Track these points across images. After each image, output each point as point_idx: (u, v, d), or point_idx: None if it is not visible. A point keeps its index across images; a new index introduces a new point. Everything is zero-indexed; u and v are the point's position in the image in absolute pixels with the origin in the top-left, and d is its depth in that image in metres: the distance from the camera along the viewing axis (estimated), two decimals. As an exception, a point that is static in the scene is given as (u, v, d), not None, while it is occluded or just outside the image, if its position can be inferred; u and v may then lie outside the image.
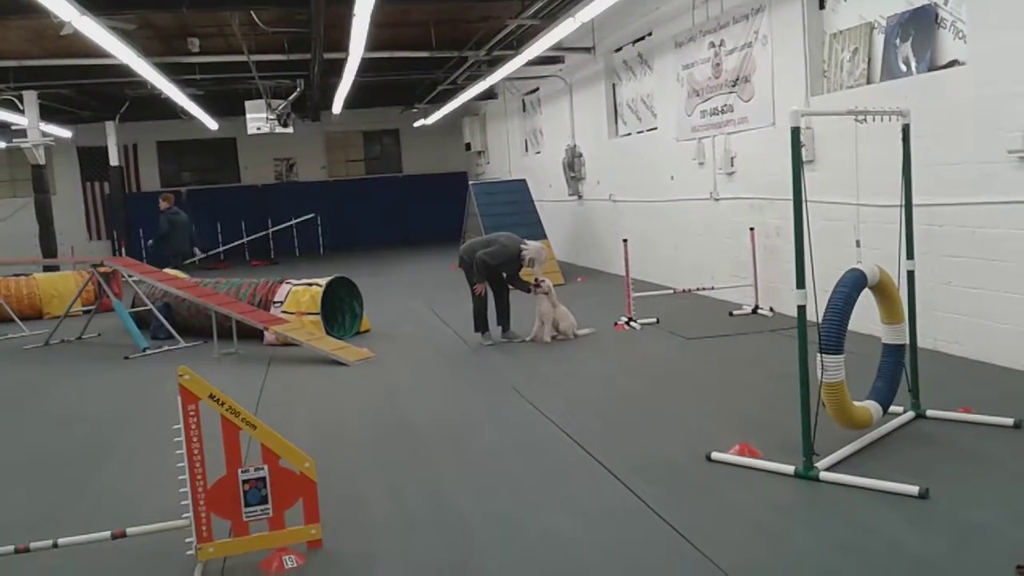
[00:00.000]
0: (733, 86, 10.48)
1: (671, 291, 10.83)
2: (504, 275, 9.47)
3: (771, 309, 9.75)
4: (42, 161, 17.92)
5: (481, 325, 9.38)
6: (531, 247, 9.25)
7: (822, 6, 9.04)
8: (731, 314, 9.93)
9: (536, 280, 9.23)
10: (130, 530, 4.12)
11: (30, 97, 16.64)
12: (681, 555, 3.95)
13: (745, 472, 4.88)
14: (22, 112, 16.86)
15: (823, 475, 4.64)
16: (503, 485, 5.02)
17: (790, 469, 4.73)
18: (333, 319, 10.49)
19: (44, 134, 17.70)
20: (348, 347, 9.26)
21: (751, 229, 9.91)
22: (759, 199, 10.08)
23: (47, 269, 15.95)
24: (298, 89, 16.79)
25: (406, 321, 11.31)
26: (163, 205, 16.40)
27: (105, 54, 11.36)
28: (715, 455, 5.07)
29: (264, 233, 24.72)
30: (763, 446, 5.14)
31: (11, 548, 3.97)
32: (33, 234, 18.56)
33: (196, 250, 18.39)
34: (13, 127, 18.17)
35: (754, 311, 9.87)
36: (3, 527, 4.72)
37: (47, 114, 18.23)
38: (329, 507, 4.39)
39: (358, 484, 5.18)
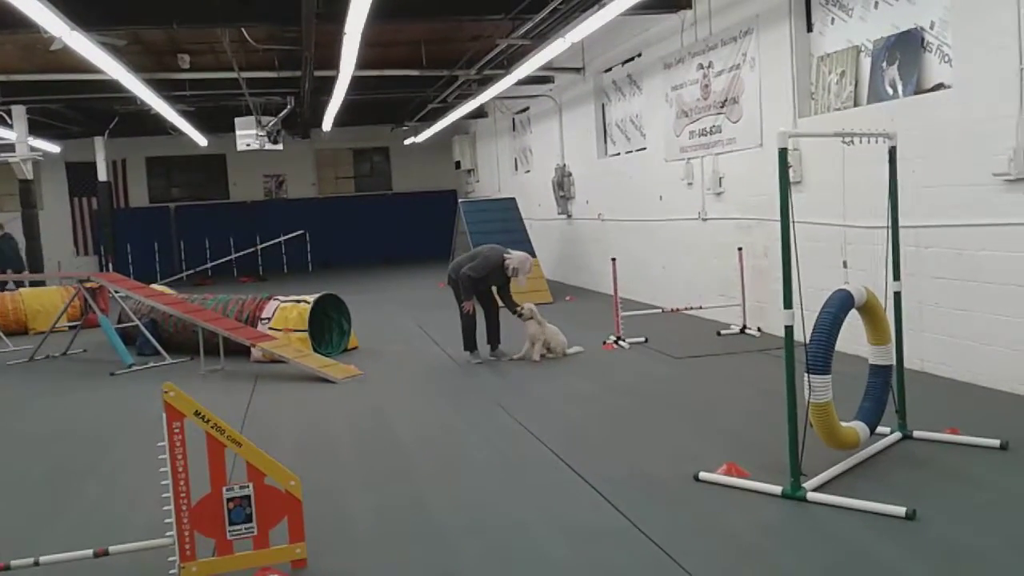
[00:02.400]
0: (721, 107, 10.55)
1: (660, 311, 10.85)
2: (493, 290, 9.47)
3: (759, 329, 9.78)
4: (30, 176, 17.84)
5: (470, 343, 9.36)
6: (514, 256, 9.26)
7: (810, 29, 9.13)
8: (719, 334, 9.95)
9: (519, 311, 9.20)
10: (113, 548, 4.07)
11: (19, 112, 16.60)
12: (667, 574, 3.93)
13: (732, 492, 4.87)
14: (11, 127, 16.82)
15: (810, 496, 4.63)
16: (490, 503, 5.00)
17: (777, 489, 4.73)
18: (321, 336, 10.45)
19: (32, 149, 17.64)
20: (336, 364, 9.23)
21: (739, 249, 9.95)
22: (747, 219, 10.13)
23: (33, 284, 15.84)
24: (288, 106, 16.81)
25: (394, 339, 11.28)
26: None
27: (95, 69, 11.35)
28: (702, 475, 5.07)
29: (252, 250, 24.66)
30: (750, 466, 5.14)
31: (-9, 566, 3.92)
32: (20, 249, 18.46)
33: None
34: (1, 142, 18.09)
35: (742, 331, 9.90)
36: (-17, 545, 4.66)
37: (36, 129, 18.17)
38: (315, 525, 4.35)
39: (344, 502, 5.15)
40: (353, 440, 6.61)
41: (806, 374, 4.81)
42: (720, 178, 10.73)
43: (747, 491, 4.84)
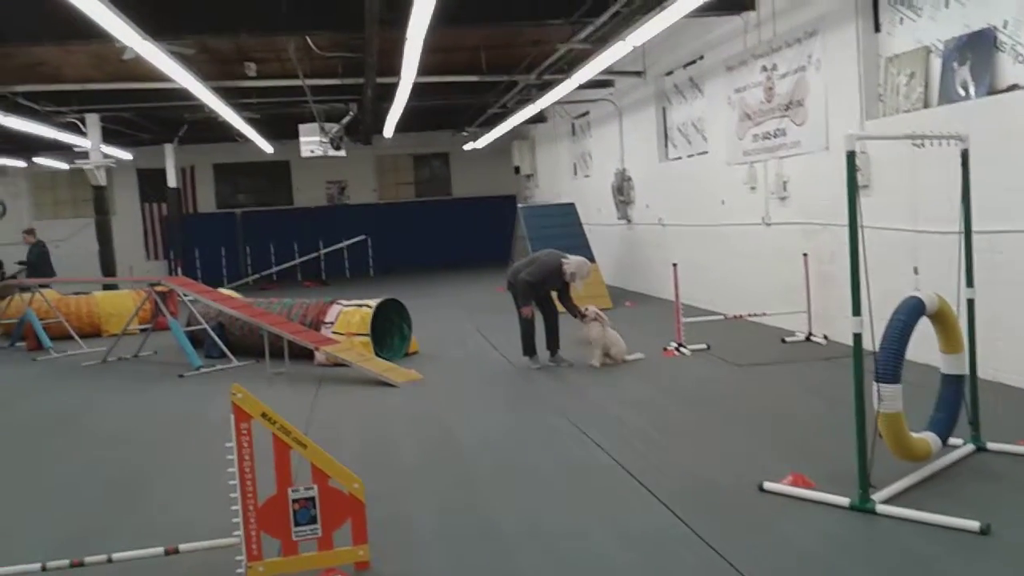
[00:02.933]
0: (786, 110, 10.38)
1: (722, 317, 10.70)
2: (553, 294, 9.44)
3: (825, 337, 9.58)
4: (103, 182, 18.43)
5: (529, 348, 9.35)
6: (572, 261, 9.22)
7: (877, 29, 8.93)
8: (783, 341, 9.78)
9: (582, 312, 9.18)
10: (183, 546, 4.17)
11: (92, 120, 17.16)
12: (732, 586, 3.88)
13: (798, 503, 4.77)
14: (85, 134, 17.39)
15: (879, 508, 4.52)
16: (549, 508, 4.99)
17: (845, 501, 4.62)
18: (382, 340, 10.55)
19: (105, 156, 18.23)
20: (397, 368, 9.31)
21: (804, 255, 9.77)
22: (812, 224, 9.94)
23: (106, 288, 16.34)
24: (351, 113, 17.04)
25: (454, 343, 11.34)
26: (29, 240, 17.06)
27: (165, 78, 11.66)
28: (767, 485, 4.98)
29: (316, 255, 25.06)
30: (817, 477, 5.03)
31: (67, 562, 4.05)
32: (93, 253, 19.08)
33: None
34: (76, 149, 18.72)
35: (807, 338, 9.71)
36: (60, 541, 4.81)
37: (109, 137, 18.76)
38: (377, 528, 4.39)
39: (405, 506, 5.19)
40: (414, 444, 6.66)
41: (875, 383, 4.69)
42: (784, 182, 10.55)
43: (813, 502, 4.74)
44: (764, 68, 10.83)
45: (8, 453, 7.23)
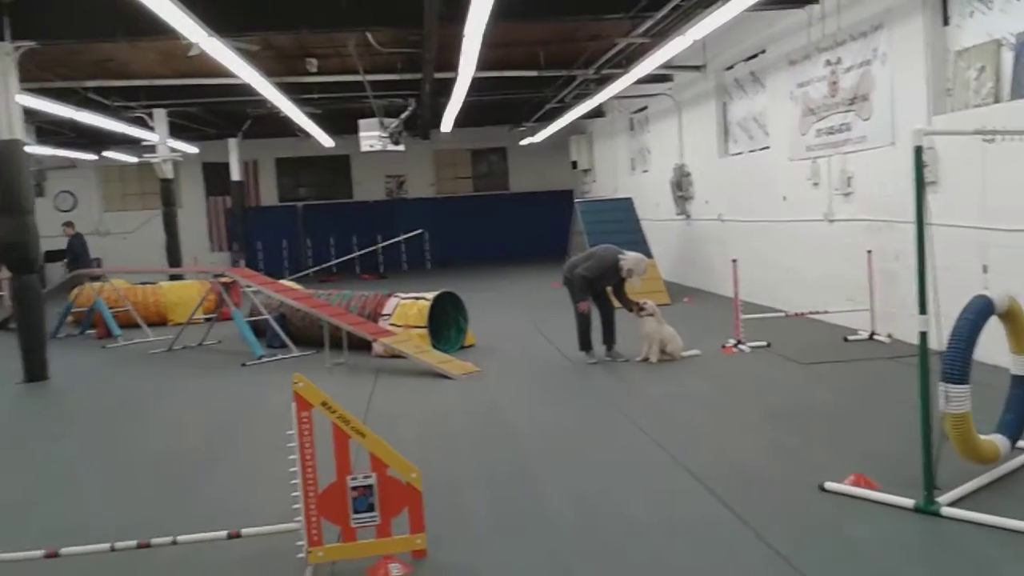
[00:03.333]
0: (850, 104, 10.18)
1: (782, 314, 10.54)
2: (609, 289, 9.42)
3: (889, 336, 9.38)
4: (170, 176, 18.92)
5: (585, 343, 9.34)
6: (629, 257, 9.17)
7: (946, 23, 8.69)
8: (846, 339, 9.60)
9: (639, 304, 9.14)
10: (245, 531, 4.26)
11: (160, 115, 17.62)
12: (791, 586, 3.83)
13: (860, 504, 4.69)
14: (152, 129, 17.85)
15: (945, 511, 4.41)
16: (604, 503, 4.98)
17: (909, 503, 4.53)
18: (439, 333, 10.64)
19: (172, 150, 18.70)
20: (453, 361, 9.38)
21: (868, 252, 9.57)
22: (877, 221, 9.73)
23: (172, 278, 16.76)
24: (410, 108, 17.17)
25: (510, 337, 11.37)
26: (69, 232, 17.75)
27: (229, 74, 11.90)
28: (828, 485, 4.90)
29: (374, 248, 25.35)
30: (880, 478, 4.93)
31: (134, 543, 4.17)
32: (160, 245, 19.59)
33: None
34: (144, 143, 19.22)
35: (871, 337, 9.51)
36: (127, 524, 4.96)
37: (175, 131, 19.24)
38: (434, 517, 4.44)
39: (461, 496, 5.23)
40: (470, 435, 6.71)
41: (941, 383, 4.58)
42: (849, 178, 10.34)
43: (876, 503, 4.65)
44: (828, 62, 10.62)
45: (79, 437, 7.48)
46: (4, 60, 9.52)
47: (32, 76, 12.69)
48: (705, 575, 4.00)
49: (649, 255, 14.18)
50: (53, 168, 25.31)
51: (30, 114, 14.63)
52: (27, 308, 10.04)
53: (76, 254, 17.53)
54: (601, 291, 9.41)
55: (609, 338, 9.43)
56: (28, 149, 10.84)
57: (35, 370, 9.96)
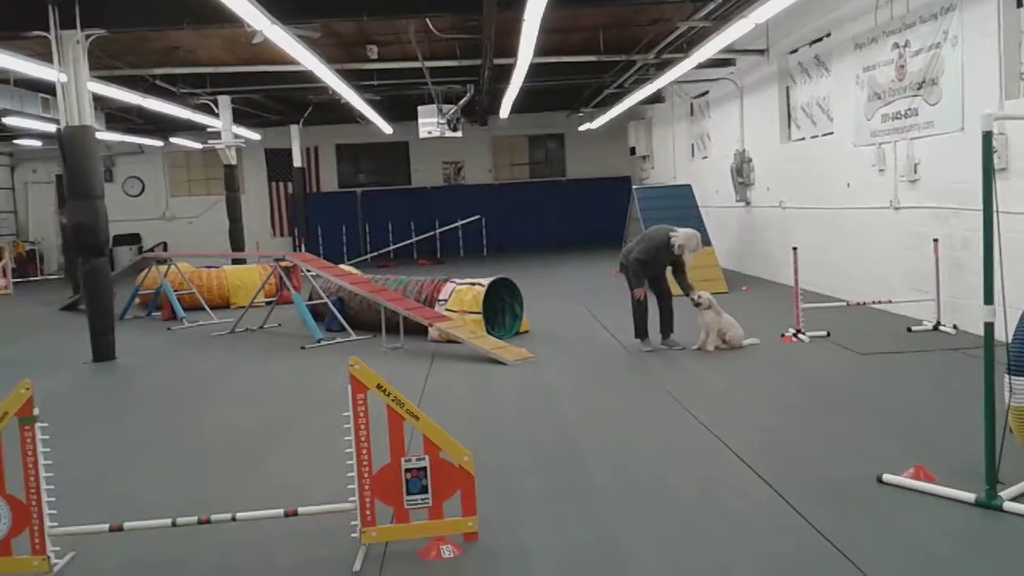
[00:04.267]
0: (918, 89, 9.90)
1: (844, 303, 10.34)
2: (668, 273, 9.26)
3: (954, 326, 9.13)
4: (234, 162, 19.31)
5: (642, 331, 9.28)
6: (680, 233, 9.05)
7: (1020, 4, 8.39)
8: (909, 330, 9.37)
9: (695, 299, 9.03)
10: (301, 509, 4.35)
11: (224, 102, 17.96)
12: (845, 578, 3.77)
13: (919, 497, 4.59)
14: (217, 116, 18.21)
15: (1007, 505, 4.30)
16: (658, 490, 4.96)
17: (970, 497, 4.41)
18: (494, 319, 10.68)
19: (236, 136, 19.06)
20: (507, 347, 9.41)
21: (934, 240, 9.31)
22: (944, 208, 9.46)
23: (235, 262, 17.12)
24: (468, 94, 17.22)
25: (565, 324, 11.36)
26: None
27: (292, 61, 12.07)
28: (887, 477, 4.80)
29: (431, 234, 25.53)
30: (940, 471, 4.82)
31: (195, 519, 4.28)
32: (224, 229, 20.01)
33: None
34: (209, 130, 19.63)
35: (935, 327, 9.27)
36: (189, 499, 5.11)
37: (238, 118, 19.60)
38: (485, 500, 4.47)
39: (513, 480, 5.26)
40: (523, 420, 6.73)
41: (1007, 375, 4.45)
42: (915, 164, 10.07)
43: (936, 497, 4.55)
44: (896, 45, 10.33)
45: (145, 416, 7.71)
46: (75, 48, 9.79)
47: (102, 64, 13.05)
48: (757, 565, 3.96)
49: (708, 242, 14.03)
50: (121, 154, 26.04)
51: (100, 101, 15.06)
52: (96, 290, 10.35)
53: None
54: (658, 276, 9.31)
55: (666, 326, 9.35)
56: (98, 135, 11.15)
57: (103, 350, 10.28)
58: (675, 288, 9.41)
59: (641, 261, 9.10)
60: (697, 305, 9.03)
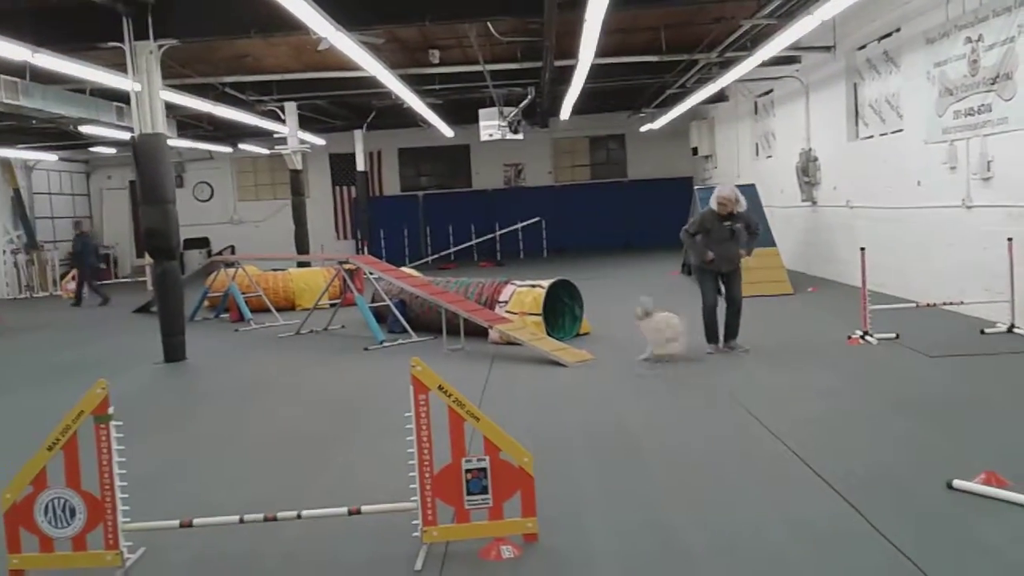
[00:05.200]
0: (992, 84, 9.59)
1: (913, 305, 10.07)
2: (742, 256, 9.00)
3: (1030, 328, 8.83)
4: (299, 166, 19.66)
5: (711, 335, 9.11)
6: (717, 193, 9.03)
7: (1103, -8, 8.09)
8: (983, 332, 9.08)
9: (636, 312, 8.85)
10: (364, 508, 4.41)
11: (290, 108, 18.31)
12: (914, 586, 3.68)
13: (991, 504, 4.45)
14: (283, 122, 18.57)
15: (1087, 515, 4.15)
16: (720, 496, 4.90)
17: (1047, 505, 4.27)
18: (554, 320, 10.68)
19: (301, 142, 19.42)
20: (567, 349, 9.40)
21: (1009, 240, 9.00)
22: (1019, 207, 9.15)
23: (300, 265, 17.43)
24: (529, 96, 17.25)
25: (625, 326, 11.21)
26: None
27: (356, 67, 12.26)
28: (957, 483, 4.67)
29: (492, 236, 25.62)
30: (1013, 477, 4.66)
31: (261, 516, 4.38)
32: (289, 233, 20.41)
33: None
34: (275, 135, 20.04)
35: (1010, 330, 8.97)
36: (256, 497, 5.22)
37: (304, 123, 19.96)
38: (545, 502, 4.47)
39: (573, 483, 5.25)
40: (582, 422, 6.72)
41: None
42: (988, 162, 9.77)
43: (1009, 503, 4.41)
44: (968, 39, 10.04)
45: (214, 415, 7.91)
46: (148, 58, 10.09)
47: (173, 73, 13.42)
48: (825, 571, 3.89)
49: (772, 243, 13.80)
50: (192, 160, 26.74)
51: (171, 109, 15.49)
52: (167, 293, 10.65)
53: (76, 252, 18.59)
54: (732, 275, 9.10)
55: (731, 331, 9.13)
56: (169, 142, 11.47)
57: (174, 351, 10.56)
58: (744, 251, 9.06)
59: (690, 233, 9.10)
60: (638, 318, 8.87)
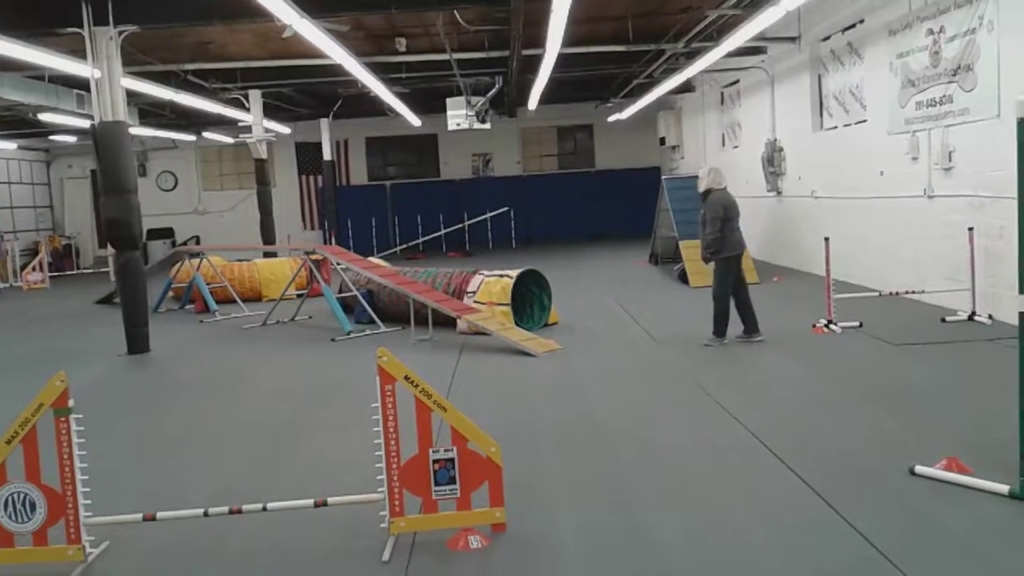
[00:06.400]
0: (953, 75, 9.73)
1: (876, 294, 10.21)
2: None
3: (990, 316, 8.98)
4: (264, 156, 19.44)
5: (720, 330, 8.88)
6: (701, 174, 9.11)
7: (1061, -14, 8.21)
8: (944, 320, 9.24)
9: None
10: (331, 500, 4.39)
11: (255, 96, 18.09)
12: (878, 571, 3.73)
13: (952, 489, 4.53)
14: (248, 110, 18.35)
15: (1044, 499, 4.23)
16: (687, 485, 4.94)
17: (1004, 489, 4.35)
18: (522, 310, 10.68)
19: (267, 130, 19.20)
20: (536, 339, 9.41)
21: (970, 229, 9.16)
22: (979, 197, 9.30)
23: (266, 255, 17.26)
24: (496, 86, 17.19)
25: (594, 315, 11.33)
26: None
27: (321, 55, 12.13)
28: (919, 469, 4.75)
29: (460, 226, 25.56)
30: (974, 463, 4.75)
31: (226, 509, 4.34)
32: (255, 223, 20.20)
33: None
34: (240, 124, 19.80)
35: (970, 318, 9.13)
36: (221, 489, 5.17)
37: (269, 112, 19.74)
38: (512, 493, 4.48)
39: (541, 473, 5.26)
40: (550, 412, 6.73)
41: (1044, 366, 4.37)
42: (950, 152, 9.91)
43: (969, 489, 4.49)
44: (931, 31, 10.16)
45: (178, 407, 7.81)
46: (108, 44, 9.91)
47: (135, 60, 13.20)
48: (790, 559, 3.93)
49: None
50: (155, 149, 26.35)
51: (133, 96, 15.22)
52: (130, 284, 10.49)
53: None
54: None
55: (751, 325, 8.93)
56: (131, 130, 11.28)
57: (137, 343, 10.42)
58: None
59: (719, 218, 8.79)
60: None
